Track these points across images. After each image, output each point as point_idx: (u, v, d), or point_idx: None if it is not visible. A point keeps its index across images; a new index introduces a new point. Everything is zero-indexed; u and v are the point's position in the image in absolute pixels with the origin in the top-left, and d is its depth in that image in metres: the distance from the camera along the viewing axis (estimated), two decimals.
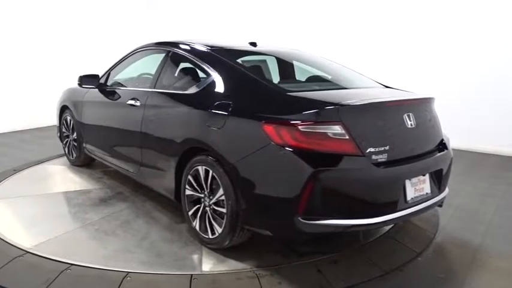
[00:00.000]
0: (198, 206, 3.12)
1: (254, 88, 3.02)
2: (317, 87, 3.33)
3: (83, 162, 5.24)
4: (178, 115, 3.31)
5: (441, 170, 3.05)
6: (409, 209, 2.76)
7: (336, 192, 2.50)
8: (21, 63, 7.94)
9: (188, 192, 3.19)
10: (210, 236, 3.01)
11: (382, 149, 2.61)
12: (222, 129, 2.86)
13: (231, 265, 2.85)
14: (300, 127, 2.49)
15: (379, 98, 2.99)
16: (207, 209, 3.03)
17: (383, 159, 2.62)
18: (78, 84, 4.56)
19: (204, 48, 3.53)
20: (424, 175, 2.89)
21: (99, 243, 3.19)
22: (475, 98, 6.53)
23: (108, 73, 4.62)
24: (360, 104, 2.68)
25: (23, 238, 3.20)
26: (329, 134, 2.48)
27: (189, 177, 3.15)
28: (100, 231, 3.40)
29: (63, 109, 5.40)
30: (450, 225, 3.62)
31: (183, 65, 3.71)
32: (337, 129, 2.49)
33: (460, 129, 6.66)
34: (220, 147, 2.87)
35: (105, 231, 3.39)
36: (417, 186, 2.83)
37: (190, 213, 3.20)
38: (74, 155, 5.26)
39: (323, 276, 2.71)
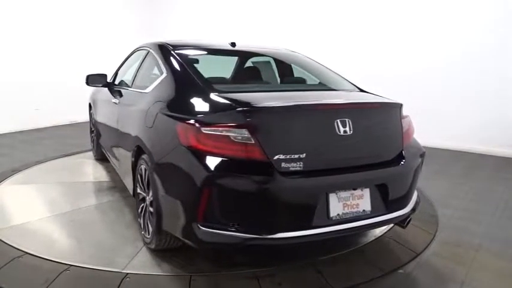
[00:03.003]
0: (143, 204, 3.12)
1: (186, 88, 2.94)
2: (259, 88, 3.25)
3: (100, 156, 5.49)
4: (135, 113, 3.35)
5: (385, 185, 2.66)
6: (333, 227, 2.48)
7: (234, 200, 2.35)
8: (20, 64, 7.92)
9: (138, 189, 3.20)
10: (147, 236, 3.01)
11: (296, 156, 2.38)
12: (152, 129, 2.87)
13: (164, 268, 2.81)
14: (202, 129, 2.38)
15: (300, 101, 2.71)
16: (147, 208, 3.01)
17: (297, 168, 2.38)
18: (86, 83, 4.61)
19: (168, 48, 3.44)
20: (356, 189, 2.57)
21: (53, 232, 3.39)
22: (475, 99, 6.56)
23: (116, 72, 4.76)
24: (271, 107, 2.48)
25: None
26: (233, 138, 2.32)
27: (138, 175, 3.16)
28: (71, 220, 3.60)
29: (90, 106, 5.78)
30: (449, 226, 3.62)
31: (151, 64, 3.72)
32: (243, 132, 2.32)
33: (456, 130, 6.72)
34: (149, 147, 2.87)
35: (74, 221, 3.59)
36: (348, 202, 2.53)
37: (139, 211, 3.21)
38: (95, 149, 5.63)
39: (322, 277, 2.71)
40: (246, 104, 2.49)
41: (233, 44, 3.86)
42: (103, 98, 4.77)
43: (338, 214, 2.50)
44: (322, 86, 3.54)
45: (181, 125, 2.52)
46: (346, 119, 2.53)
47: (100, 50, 9.24)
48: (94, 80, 4.54)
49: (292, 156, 2.37)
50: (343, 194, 2.52)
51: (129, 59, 4.58)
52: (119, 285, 2.56)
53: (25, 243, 3.07)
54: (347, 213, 2.53)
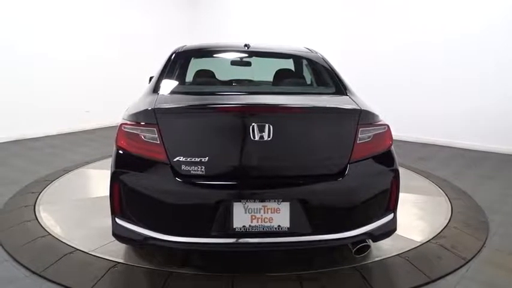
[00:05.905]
0: None
1: (149, 89, 3.07)
2: (217, 90, 3.26)
3: None
4: None
5: (312, 202, 2.40)
6: (236, 238, 2.40)
7: (137, 198, 2.45)
8: (72, 67, 8.14)
9: None
10: None
11: (198, 160, 2.34)
12: None
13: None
14: (123, 126, 2.52)
15: (212, 102, 2.69)
16: None
17: (198, 172, 2.35)
18: (149, 83, 4.77)
19: (176, 51, 3.47)
20: (266, 201, 2.37)
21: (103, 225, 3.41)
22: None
23: None
24: (176, 107, 2.57)
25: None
26: (142, 137, 2.42)
27: None
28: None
29: None
30: (500, 233, 3.47)
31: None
32: (151, 132, 2.41)
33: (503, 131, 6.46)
34: None
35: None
36: (258, 215, 2.36)
37: None
38: None
39: (367, 282, 2.66)
40: (160, 103, 2.56)
41: (246, 45, 3.62)
42: None
43: (244, 226, 2.37)
44: (295, 89, 3.34)
45: (120, 121, 2.66)
46: (266, 124, 2.37)
47: (148, 52, 9.32)
48: None
49: (194, 160, 2.36)
50: (252, 205, 2.37)
51: None
52: (165, 282, 2.61)
53: (76, 239, 3.19)
54: (256, 226, 2.37)
